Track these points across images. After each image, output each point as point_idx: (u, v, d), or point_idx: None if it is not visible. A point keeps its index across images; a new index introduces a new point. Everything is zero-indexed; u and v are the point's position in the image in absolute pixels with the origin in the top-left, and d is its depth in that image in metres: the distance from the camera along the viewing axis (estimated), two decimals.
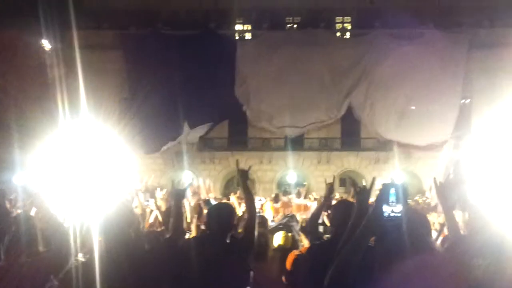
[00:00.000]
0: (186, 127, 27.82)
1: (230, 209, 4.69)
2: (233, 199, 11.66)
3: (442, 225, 6.78)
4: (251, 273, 4.53)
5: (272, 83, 27.83)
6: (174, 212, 4.62)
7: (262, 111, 28.54)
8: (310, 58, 27.61)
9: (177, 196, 4.64)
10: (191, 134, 28.53)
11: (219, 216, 4.45)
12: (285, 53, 27.89)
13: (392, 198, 3.10)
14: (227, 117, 28.31)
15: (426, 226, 3.40)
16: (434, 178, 4.07)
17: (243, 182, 4.74)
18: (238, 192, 13.65)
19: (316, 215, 5.49)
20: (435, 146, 25.77)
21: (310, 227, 5.43)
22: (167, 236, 4.60)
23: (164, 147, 28.01)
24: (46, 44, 27.12)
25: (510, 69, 23.49)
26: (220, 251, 4.28)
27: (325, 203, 5.84)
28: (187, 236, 5.60)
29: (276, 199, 22.73)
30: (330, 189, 5.97)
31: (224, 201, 15.54)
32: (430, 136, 27.01)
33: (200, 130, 28.82)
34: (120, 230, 4.10)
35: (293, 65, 27.65)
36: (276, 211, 21.94)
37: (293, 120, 28.44)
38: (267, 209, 22.05)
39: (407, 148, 28.17)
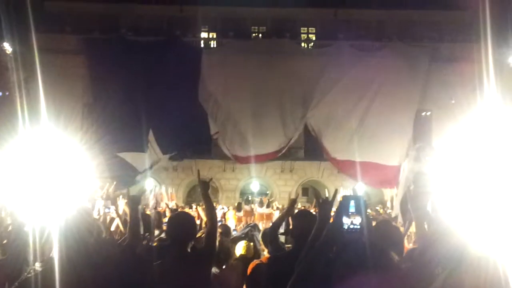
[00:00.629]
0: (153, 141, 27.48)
1: (190, 218, 4.68)
2: (200, 210, 11.61)
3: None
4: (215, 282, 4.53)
5: (236, 97, 27.78)
6: (130, 219, 4.59)
7: (227, 135, 28.42)
8: (274, 68, 27.67)
9: (132, 202, 4.60)
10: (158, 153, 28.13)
11: (179, 225, 4.43)
12: (250, 62, 27.88)
13: (352, 210, 3.13)
14: (192, 139, 27.74)
15: (390, 239, 3.43)
16: (403, 186, 4.11)
17: (204, 193, 4.78)
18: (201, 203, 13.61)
19: (277, 225, 5.49)
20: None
21: (270, 238, 5.42)
22: (125, 243, 4.56)
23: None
24: (7, 47, 26.53)
25: (468, 83, 24.04)
26: (180, 260, 4.25)
27: (285, 216, 5.87)
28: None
29: (238, 208, 22.75)
30: (292, 203, 6.05)
31: (187, 209, 15.49)
32: (387, 152, 27.45)
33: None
34: (80, 237, 4.01)
35: (257, 76, 27.66)
36: (239, 219, 21.97)
37: (255, 148, 28.39)
38: (230, 217, 22.03)
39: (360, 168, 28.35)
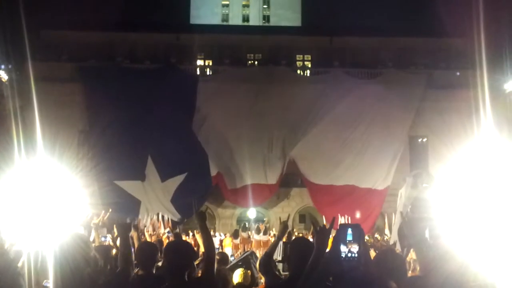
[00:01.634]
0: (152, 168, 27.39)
1: (188, 247, 4.64)
2: (197, 237, 11.53)
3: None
4: None
5: (231, 125, 27.84)
6: (121, 245, 4.60)
7: (220, 161, 28.47)
8: (269, 96, 27.78)
9: (122, 229, 4.61)
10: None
11: (177, 254, 4.38)
12: (245, 90, 27.99)
13: (349, 238, 3.11)
14: (190, 165, 27.53)
15: (390, 267, 3.40)
16: (401, 212, 4.09)
17: (201, 224, 4.76)
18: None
19: (270, 253, 5.43)
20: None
21: (264, 266, 5.37)
22: (118, 270, 4.53)
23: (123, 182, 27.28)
24: (3, 75, 26.60)
25: (463, 110, 24.17)
26: None
27: (278, 241, 5.83)
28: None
29: (235, 235, 22.59)
30: (285, 227, 6.02)
31: (183, 237, 15.34)
32: (375, 176, 27.67)
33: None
34: (75, 267, 3.98)
35: (251, 104, 27.78)
36: (236, 247, 21.80)
37: (252, 178, 28.44)
38: (226, 244, 21.87)
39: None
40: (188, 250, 4.52)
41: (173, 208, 25.72)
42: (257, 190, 28.26)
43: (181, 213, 24.66)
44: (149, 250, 4.81)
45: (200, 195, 25.14)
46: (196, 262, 4.96)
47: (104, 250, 5.99)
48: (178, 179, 26.89)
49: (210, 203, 29.34)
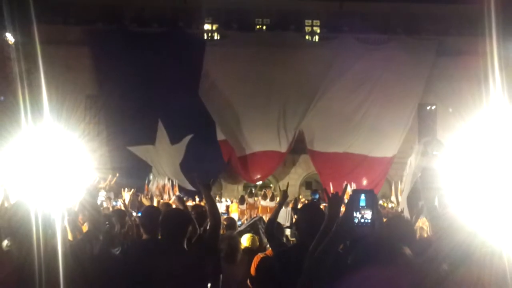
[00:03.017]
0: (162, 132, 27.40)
1: (182, 216, 4.68)
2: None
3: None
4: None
5: (238, 90, 27.73)
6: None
7: (227, 128, 28.41)
8: (278, 62, 27.62)
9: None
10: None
11: (171, 223, 4.42)
12: (253, 55, 27.83)
13: (362, 204, 3.09)
14: (198, 128, 27.37)
15: (402, 233, 3.39)
16: (410, 181, 4.07)
17: (206, 193, 4.86)
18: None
19: (273, 220, 5.46)
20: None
21: (268, 233, 5.40)
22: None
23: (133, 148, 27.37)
24: (9, 38, 26.49)
25: (473, 78, 23.92)
26: (177, 256, 4.22)
27: (280, 209, 5.87)
28: None
29: (242, 201, 22.71)
30: (284, 195, 6.07)
31: (190, 202, 15.42)
32: (383, 143, 27.66)
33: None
34: (88, 232, 4.01)
35: (260, 69, 27.63)
36: (242, 212, 21.95)
37: (258, 144, 28.52)
38: (233, 210, 22.02)
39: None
40: (183, 219, 4.55)
41: (181, 174, 25.83)
42: (266, 158, 28.34)
43: (188, 179, 24.68)
44: (154, 214, 4.83)
45: (207, 161, 25.04)
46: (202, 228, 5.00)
47: (119, 214, 6.01)
48: (186, 140, 27.02)
49: None
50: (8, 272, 3.60)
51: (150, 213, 5.01)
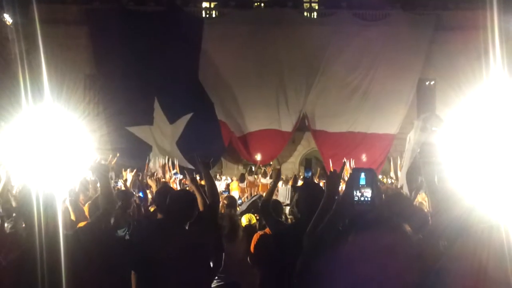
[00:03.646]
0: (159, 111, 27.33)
1: (193, 199, 4.70)
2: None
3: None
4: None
5: (238, 68, 27.60)
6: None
7: (226, 108, 28.34)
8: (277, 39, 27.57)
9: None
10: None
11: (181, 205, 4.45)
12: (252, 33, 27.68)
13: (362, 182, 3.12)
14: (196, 106, 27.25)
15: (403, 211, 3.42)
16: (409, 157, 4.09)
17: (205, 172, 4.93)
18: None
19: (268, 200, 5.50)
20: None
21: (263, 214, 5.43)
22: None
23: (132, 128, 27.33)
24: (7, 18, 26.30)
25: (472, 52, 23.84)
26: (181, 236, 4.27)
27: (274, 188, 5.93)
28: None
29: (242, 179, 22.79)
30: (278, 175, 6.13)
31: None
32: (385, 120, 27.64)
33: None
34: (102, 213, 4.06)
35: (259, 46, 27.52)
36: (243, 190, 22.05)
37: (257, 123, 28.47)
38: (233, 188, 22.11)
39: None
40: (194, 202, 4.59)
41: (178, 152, 25.84)
42: (267, 137, 28.33)
43: (186, 157, 24.57)
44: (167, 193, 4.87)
45: (208, 142, 24.97)
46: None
47: (125, 194, 6.03)
48: (185, 119, 26.98)
49: None
50: (18, 254, 3.65)
51: (166, 192, 5.05)
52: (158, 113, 27.29)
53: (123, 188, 8.28)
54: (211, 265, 4.65)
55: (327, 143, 28.17)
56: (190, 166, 22.34)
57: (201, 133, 24.87)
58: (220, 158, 27.06)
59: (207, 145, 23.90)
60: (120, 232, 4.83)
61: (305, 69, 27.82)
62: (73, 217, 5.97)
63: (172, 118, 27.13)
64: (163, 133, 27.55)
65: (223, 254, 4.86)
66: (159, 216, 4.95)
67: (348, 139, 27.99)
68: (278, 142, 28.81)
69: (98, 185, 5.04)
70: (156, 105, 27.13)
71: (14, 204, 6.15)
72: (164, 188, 6.03)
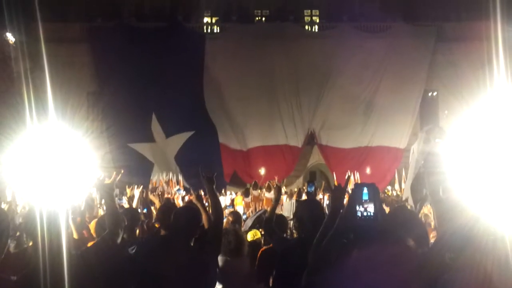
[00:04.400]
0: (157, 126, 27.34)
1: (197, 213, 4.72)
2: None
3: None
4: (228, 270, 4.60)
5: (241, 83, 27.70)
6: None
7: (227, 124, 28.39)
8: (279, 53, 27.68)
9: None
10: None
11: (187, 220, 4.45)
12: (254, 47, 27.79)
13: (365, 197, 3.11)
14: (195, 123, 27.19)
15: (407, 225, 3.41)
16: (414, 168, 4.08)
17: (209, 188, 4.87)
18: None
19: (270, 219, 5.52)
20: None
21: (268, 233, 5.46)
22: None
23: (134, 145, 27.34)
24: (10, 37, 26.48)
25: (475, 62, 23.89)
26: (185, 253, 4.26)
27: (276, 205, 5.93)
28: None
29: (246, 194, 22.70)
30: (278, 191, 6.13)
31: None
32: (394, 133, 27.58)
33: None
34: (109, 231, 4.06)
35: (261, 60, 27.63)
36: (247, 205, 21.95)
37: (263, 139, 28.47)
38: (238, 203, 22.03)
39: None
40: (198, 218, 4.58)
41: (176, 166, 25.77)
42: (277, 153, 28.39)
43: (186, 173, 24.39)
44: (172, 210, 4.87)
45: (207, 158, 24.68)
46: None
47: (131, 212, 6.03)
48: (184, 136, 26.94)
49: None
50: (25, 272, 3.64)
51: (169, 208, 5.05)
52: (155, 127, 27.30)
53: (127, 205, 8.26)
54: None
55: (336, 158, 28.09)
56: (186, 185, 22.15)
57: (201, 155, 24.32)
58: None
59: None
60: (130, 251, 4.82)
61: (308, 83, 27.87)
62: (75, 236, 5.96)
63: (168, 131, 27.14)
64: (161, 148, 27.57)
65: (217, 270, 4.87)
66: (163, 232, 4.94)
67: (356, 154, 27.98)
68: (286, 157, 28.78)
69: (103, 202, 5.05)
70: (154, 119, 27.15)
71: (18, 221, 6.15)
72: (167, 205, 6.02)
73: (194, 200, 5.81)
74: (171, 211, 4.78)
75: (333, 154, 28.28)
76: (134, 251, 4.77)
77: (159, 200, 8.47)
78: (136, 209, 6.89)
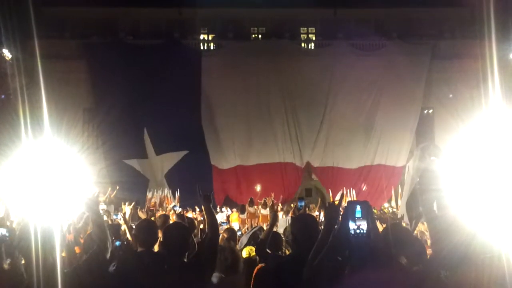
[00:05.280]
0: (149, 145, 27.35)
1: (184, 230, 4.70)
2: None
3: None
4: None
5: (237, 100, 27.77)
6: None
7: (223, 142, 28.42)
8: (275, 70, 27.75)
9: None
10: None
11: (174, 237, 4.44)
12: (250, 64, 27.87)
13: (358, 215, 3.12)
14: (188, 141, 26.92)
15: (401, 242, 3.41)
16: (409, 186, 4.08)
17: (206, 206, 4.85)
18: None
19: (264, 242, 5.53)
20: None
21: (260, 255, 5.46)
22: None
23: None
24: (6, 53, 26.51)
25: (470, 80, 24.00)
26: (179, 270, 4.23)
27: (271, 230, 5.93)
28: None
29: (242, 210, 22.62)
30: (274, 218, 6.14)
31: (190, 212, 15.37)
32: (395, 152, 27.65)
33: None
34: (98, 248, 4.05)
35: (258, 78, 27.73)
36: (243, 222, 21.85)
37: (259, 157, 28.49)
38: (233, 220, 21.93)
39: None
40: (185, 233, 4.57)
41: (166, 184, 25.65)
42: (269, 171, 28.29)
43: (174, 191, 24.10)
44: (148, 227, 4.87)
45: (199, 178, 24.36)
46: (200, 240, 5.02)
47: (114, 227, 6.03)
48: (177, 155, 26.90)
49: None
50: None
51: (145, 225, 5.02)
52: (148, 144, 27.29)
53: (122, 221, 8.25)
54: None
55: (339, 178, 27.97)
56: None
57: (193, 176, 23.68)
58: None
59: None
60: (111, 267, 4.78)
61: (308, 101, 27.95)
62: (63, 254, 5.92)
63: (158, 149, 27.10)
64: (152, 165, 27.55)
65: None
66: (139, 249, 4.88)
67: (356, 173, 28.02)
68: (292, 177, 28.88)
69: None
70: (146, 136, 27.14)
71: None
72: (145, 221, 5.98)
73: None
74: (148, 228, 4.79)
75: (339, 174, 28.20)
76: (114, 267, 4.72)
77: (147, 217, 8.45)
78: (117, 224, 6.89)
